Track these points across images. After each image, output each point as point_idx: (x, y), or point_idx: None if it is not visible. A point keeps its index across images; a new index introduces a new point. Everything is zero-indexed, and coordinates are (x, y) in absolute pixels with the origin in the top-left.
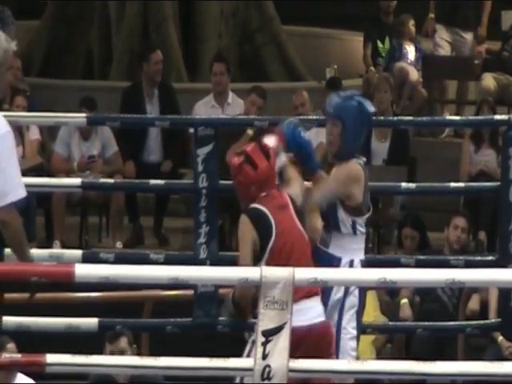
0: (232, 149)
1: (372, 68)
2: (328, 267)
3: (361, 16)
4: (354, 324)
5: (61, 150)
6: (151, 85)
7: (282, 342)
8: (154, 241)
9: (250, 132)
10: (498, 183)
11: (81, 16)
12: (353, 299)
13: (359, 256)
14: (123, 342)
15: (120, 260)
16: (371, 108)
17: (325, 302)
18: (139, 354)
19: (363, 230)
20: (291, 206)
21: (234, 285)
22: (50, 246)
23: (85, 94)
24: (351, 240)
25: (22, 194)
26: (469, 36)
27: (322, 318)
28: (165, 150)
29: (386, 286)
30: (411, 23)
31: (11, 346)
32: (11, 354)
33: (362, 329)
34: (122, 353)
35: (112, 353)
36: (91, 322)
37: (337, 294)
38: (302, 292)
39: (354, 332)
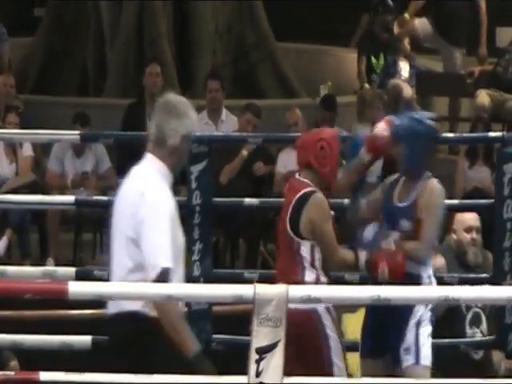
0: (225, 170)
1: (366, 85)
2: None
3: (355, 32)
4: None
5: (54, 166)
6: (153, 103)
7: (276, 359)
8: None
9: (244, 153)
10: (493, 200)
11: (75, 32)
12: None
13: (430, 271)
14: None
15: None
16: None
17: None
18: None
19: None
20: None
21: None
22: (44, 263)
23: (78, 111)
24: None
25: (168, 264)
26: (459, 53)
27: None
28: None
29: (379, 303)
30: (407, 40)
31: (14, 363)
32: (4, 372)
33: (355, 346)
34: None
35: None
36: (85, 339)
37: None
38: None
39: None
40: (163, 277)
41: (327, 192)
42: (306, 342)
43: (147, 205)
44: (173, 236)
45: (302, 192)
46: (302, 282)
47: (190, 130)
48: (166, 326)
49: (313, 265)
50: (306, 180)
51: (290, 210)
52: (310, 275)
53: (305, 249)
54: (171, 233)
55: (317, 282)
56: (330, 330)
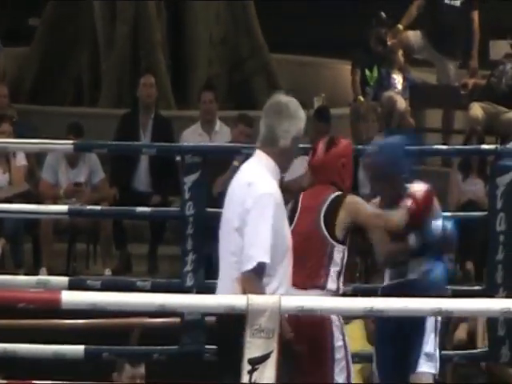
0: (218, 182)
1: (360, 97)
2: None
3: (349, 44)
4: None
5: (48, 176)
6: (147, 113)
7: (269, 370)
8: (143, 268)
9: (235, 164)
10: (486, 213)
11: (70, 42)
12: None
13: None
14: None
15: (107, 287)
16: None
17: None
18: None
19: None
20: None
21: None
22: (37, 273)
23: (72, 121)
24: None
25: (265, 259)
26: (453, 65)
27: None
28: (154, 182)
29: (373, 314)
30: (400, 52)
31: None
32: None
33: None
34: (142, 378)
35: (133, 377)
36: (77, 349)
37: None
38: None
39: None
40: (257, 271)
41: None
42: (315, 345)
43: (253, 195)
44: (277, 229)
45: (334, 195)
46: (323, 287)
47: (300, 131)
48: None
49: (339, 274)
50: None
51: (323, 212)
52: (332, 285)
53: (337, 254)
54: (275, 226)
55: (335, 293)
56: (338, 341)
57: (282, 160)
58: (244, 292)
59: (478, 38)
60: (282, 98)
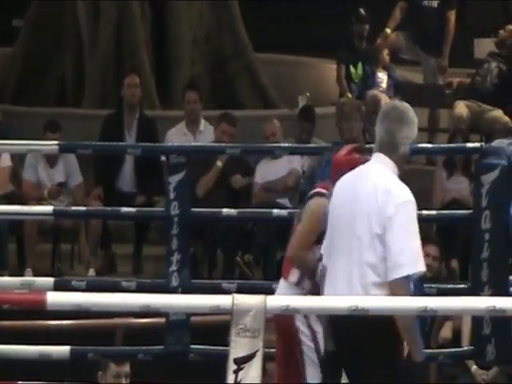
0: (201, 182)
1: (348, 94)
2: None
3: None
4: None
5: (30, 176)
6: (131, 113)
7: (254, 369)
8: (128, 268)
9: (219, 164)
10: (471, 211)
11: (54, 42)
12: None
13: None
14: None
15: (92, 288)
16: None
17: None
18: None
19: None
20: None
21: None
22: (22, 274)
23: (49, 119)
24: None
25: (413, 268)
26: (432, 61)
27: None
28: (139, 182)
29: (357, 313)
30: (386, 51)
31: None
32: None
33: None
34: (127, 376)
35: (118, 375)
36: (63, 349)
37: None
38: None
39: None
40: (407, 278)
41: None
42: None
43: (395, 203)
44: None
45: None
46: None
47: (415, 137)
48: (401, 327)
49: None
50: None
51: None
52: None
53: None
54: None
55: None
56: (307, 347)
57: (400, 165)
58: None
59: (451, 38)
60: (397, 103)
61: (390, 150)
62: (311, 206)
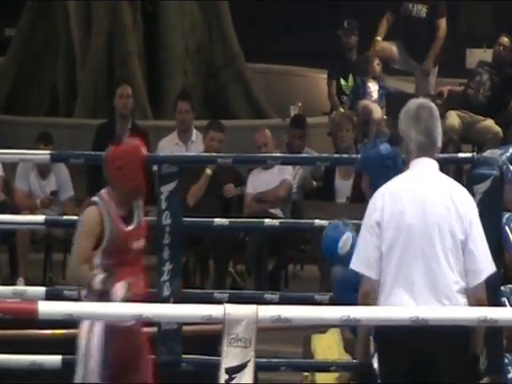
0: (191, 191)
1: (341, 109)
2: None
3: (325, 53)
4: None
5: (22, 185)
6: (123, 123)
7: (246, 379)
8: None
9: (208, 172)
10: None
11: (46, 51)
12: None
13: None
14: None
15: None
16: (388, 149)
17: None
18: None
19: None
20: None
21: (197, 322)
22: (14, 283)
23: (42, 131)
24: None
25: (491, 269)
26: (432, 74)
27: None
28: None
29: (349, 323)
30: (376, 62)
31: None
32: None
33: (324, 367)
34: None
35: None
36: (55, 359)
37: None
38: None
39: None
40: (484, 284)
41: None
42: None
43: (472, 206)
44: None
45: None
46: None
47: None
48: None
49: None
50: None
51: None
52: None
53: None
54: None
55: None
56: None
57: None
58: (483, 303)
59: (440, 43)
60: (424, 100)
61: (430, 149)
62: (82, 217)
